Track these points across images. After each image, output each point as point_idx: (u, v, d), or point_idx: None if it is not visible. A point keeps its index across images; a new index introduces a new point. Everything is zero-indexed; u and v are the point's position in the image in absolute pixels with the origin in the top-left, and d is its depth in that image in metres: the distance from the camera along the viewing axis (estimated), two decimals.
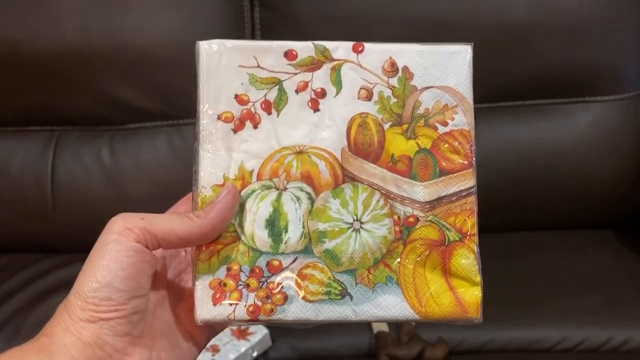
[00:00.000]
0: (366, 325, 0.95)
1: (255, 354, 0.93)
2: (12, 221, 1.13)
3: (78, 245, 1.13)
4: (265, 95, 0.46)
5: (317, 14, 1.05)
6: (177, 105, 1.09)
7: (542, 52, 1.05)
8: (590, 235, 1.14)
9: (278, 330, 0.96)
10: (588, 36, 1.05)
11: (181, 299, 0.45)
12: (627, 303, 0.98)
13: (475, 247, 0.46)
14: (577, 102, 1.09)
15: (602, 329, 0.94)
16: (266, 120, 0.46)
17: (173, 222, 0.41)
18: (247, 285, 0.44)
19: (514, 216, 1.13)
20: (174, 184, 1.09)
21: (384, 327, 0.93)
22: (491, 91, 1.07)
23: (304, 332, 0.96)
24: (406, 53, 0.46)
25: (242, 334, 0.93)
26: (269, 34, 1.09)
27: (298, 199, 0.45)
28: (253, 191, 0.45)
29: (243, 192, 0.45)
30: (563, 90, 1.09)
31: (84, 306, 0.39)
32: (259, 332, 0.94)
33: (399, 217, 0.46)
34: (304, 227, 0.45)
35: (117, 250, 0.39)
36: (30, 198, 1.11)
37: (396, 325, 0.93)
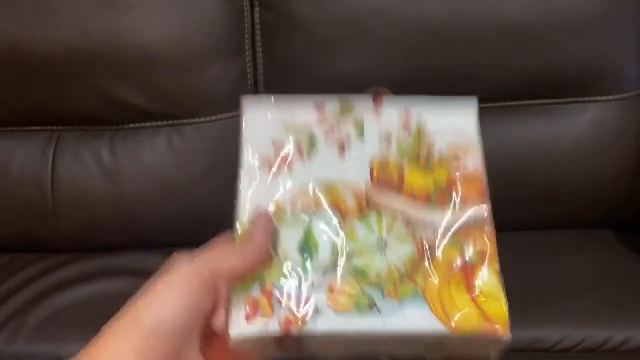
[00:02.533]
0: None
1: None
2: (12, 221, 1.13)
3: (78, 246, 1.14)
4: (299, 141, 0.52)
5: (317, 15, 1.05)
6: (177, 105, 1.09)
7: (542, 52, 1.05)
8: (590, 235, 1.14)
9: None
10: (588, 36, 1.05)
11: (210, 342, 0.46)
12: (627, 303, 0.98)
13: (497, 267, 0.48)
14: (577, 102, 1.09)
15: (602, 329, 0.94)
16: (299, 162, 0.52)
17: (222, 259, 0.46)
18: (279, 302, 0.47)
19: (513, 216, 1.13)
20: (174, 184, 1.10)
21: None
22: (491, 91, 1.07)
23: None
24: (420, 104, 0.54)
25: None
26: (269, 34, 1.09)
27: (328, 225, 0.50)
28: (286, 220, 0.50)
29: (277, 221, 0.50)
30: (563, 90, 1.09)
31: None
32: None
33: (421, 239, 0.49)
34: (333, 249, 0.49)
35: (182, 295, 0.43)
36: (31, 198, 1.11)
37: None
